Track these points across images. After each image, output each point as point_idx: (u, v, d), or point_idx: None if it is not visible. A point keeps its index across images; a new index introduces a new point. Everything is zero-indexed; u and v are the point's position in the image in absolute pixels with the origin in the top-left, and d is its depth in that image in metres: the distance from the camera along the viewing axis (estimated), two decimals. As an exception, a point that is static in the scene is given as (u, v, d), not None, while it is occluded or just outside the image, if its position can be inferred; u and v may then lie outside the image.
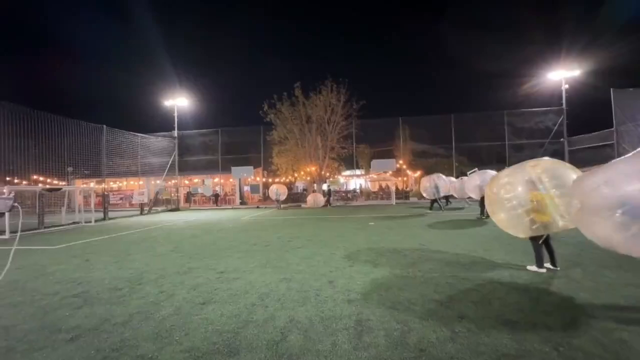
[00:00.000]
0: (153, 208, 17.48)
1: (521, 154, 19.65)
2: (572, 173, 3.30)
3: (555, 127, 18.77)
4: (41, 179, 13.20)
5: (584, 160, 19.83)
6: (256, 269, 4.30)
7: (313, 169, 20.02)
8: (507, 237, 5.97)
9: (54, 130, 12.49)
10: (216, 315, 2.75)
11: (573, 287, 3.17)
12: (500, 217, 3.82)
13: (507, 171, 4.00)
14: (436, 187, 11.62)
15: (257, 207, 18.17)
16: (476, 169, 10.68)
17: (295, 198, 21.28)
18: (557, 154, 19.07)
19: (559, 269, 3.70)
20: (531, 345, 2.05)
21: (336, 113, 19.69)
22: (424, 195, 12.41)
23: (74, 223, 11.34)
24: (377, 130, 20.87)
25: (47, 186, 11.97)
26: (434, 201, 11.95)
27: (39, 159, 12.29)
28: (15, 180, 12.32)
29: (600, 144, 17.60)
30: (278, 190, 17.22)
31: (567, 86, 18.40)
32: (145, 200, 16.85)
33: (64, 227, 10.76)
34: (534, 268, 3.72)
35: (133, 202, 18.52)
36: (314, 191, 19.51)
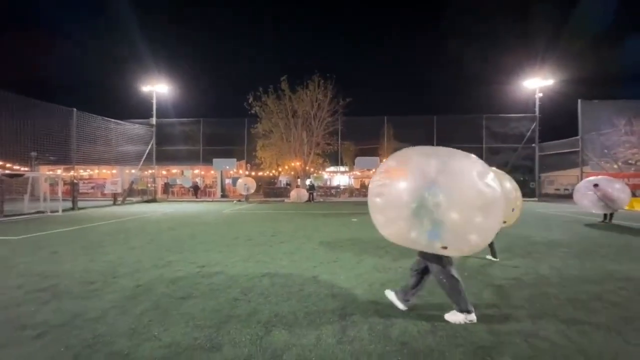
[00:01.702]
0: (127, 198, 16.65)
1: (497, 156, 20.64)
2: (508, 182, 3.81)
3: (529, 133, 19.86)
4: (0, 163, 12.14)
5: (553, 165, 21.27)
6: (238, 264, 4.23)
7: (297, 163, 19.90)
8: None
9: (16, 112, 11.49)
10: (197, 310, 2.67)
11: (542, 283, 3.40)
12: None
13: None
14: None
15: (239, 201, 17.84)
16: None
17: (278, 193, 21.10)
18: (529, 159, 20.27)
19: (498, 259, 4.32)
20: (504, 338, 2.18)
21: (322, 109, 19.63)
22: None
23: (38, 212, 10.56)
24: (362, 128, 21.03)
25: (7, 172, 11.03)
26: None
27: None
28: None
29: (567, 150, 18.89)
30: (247, 183, 16.84)
31: (541, 94, 19.49)
32: (119, 190, 16.00)
33: (27, 216, 9.99)
34: (488, 257, 4.39)
35: (105, 192, 17.56)
36: (297, 186, 19.44)
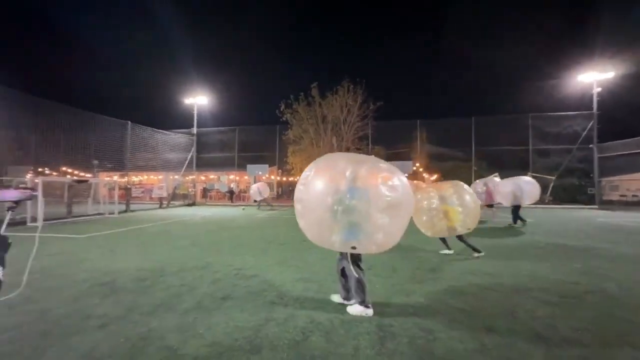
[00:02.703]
0: (171, 202, 18.03)
1: (546, 159, 18.78)
2: (467, 195, 4.63)
3: (585, 133, 17.77)
4: (69, 170, 13.93)
5: (616, 168, 18.72)
6: (273, 267, 4.33)
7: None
8: (533, 247, 5.74)
9: (82, 125, 13.15)
10: (236, 311, 2.78)
11: (608, 304, 2.98)
12: (422, 220, 4.76)
13: (430, 187, 5.17)
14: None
15: (271, 206, 18.34)
16: (496, 174, 10.29)
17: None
18: (586, 161, 18.12)
19: (483, 253, 4.87)
20: (567, 364, 1.94)
21: (352, 114, 19.59)
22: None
23: (98, 214, 11.86)
24: (393, 132, 20.55)
25: (75, 178, 12.59)
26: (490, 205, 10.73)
27: (68, 152, 12.97)
28: (47, 172, 13.07)
29: (634, 151, 16.52)
30: (260, 189, 15.57)
31: (599, 89, 17.40)
32: (164, 195, 17.40)
33: (90, 217, 11.28)
34: (445, 251, 5.15)
35: (153, 196, 19.15)
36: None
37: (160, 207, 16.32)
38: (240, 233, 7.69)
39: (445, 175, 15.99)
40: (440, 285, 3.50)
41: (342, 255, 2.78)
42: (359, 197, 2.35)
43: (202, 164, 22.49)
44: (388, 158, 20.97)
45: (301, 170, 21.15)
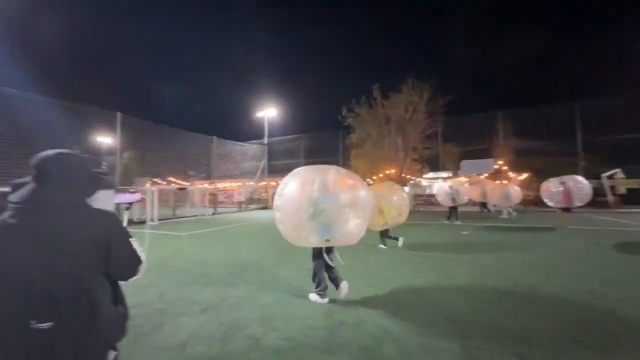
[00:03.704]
0: (248, 206, 20.20)
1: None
2: (395, 196, 5.69)
3: None
4: (173, 180, 17.12)
5: None
6: (342, 269, 4.39)
7: (392, 171, 19.24)
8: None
9: (180, 142, 16.04)
10: (310, 311, 2.93)
11: None
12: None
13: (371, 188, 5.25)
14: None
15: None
16: (619, 169, 8.14)
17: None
18: None
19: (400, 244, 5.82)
20: None
21: (418, 111, 18.41)
22: (548, 202, 9.40)
23: (194, 216, 14.19)
24: (468, 128, 18.45)
25: (177, 186, 15.39)
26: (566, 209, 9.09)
27: (172, 165, 16.00)
28: (158, 181, 16.38)
29: None
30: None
31: None
32: (243, 199, 19.62)
33: (188, 218, 13.58)
34: (382, 245, 5.93)
35: (234, 200, 21.82)
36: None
37: (240, 210, 18.46)
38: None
39: (538, 174, 13.33)
40: (537, 305, 2.96)
41: (313, 253, 3.29)
42: (330, 201, 2.92)
43: (273, 171, 24.55)
44: (463, 156, 18.90)
45: (364, 174, 20.97)
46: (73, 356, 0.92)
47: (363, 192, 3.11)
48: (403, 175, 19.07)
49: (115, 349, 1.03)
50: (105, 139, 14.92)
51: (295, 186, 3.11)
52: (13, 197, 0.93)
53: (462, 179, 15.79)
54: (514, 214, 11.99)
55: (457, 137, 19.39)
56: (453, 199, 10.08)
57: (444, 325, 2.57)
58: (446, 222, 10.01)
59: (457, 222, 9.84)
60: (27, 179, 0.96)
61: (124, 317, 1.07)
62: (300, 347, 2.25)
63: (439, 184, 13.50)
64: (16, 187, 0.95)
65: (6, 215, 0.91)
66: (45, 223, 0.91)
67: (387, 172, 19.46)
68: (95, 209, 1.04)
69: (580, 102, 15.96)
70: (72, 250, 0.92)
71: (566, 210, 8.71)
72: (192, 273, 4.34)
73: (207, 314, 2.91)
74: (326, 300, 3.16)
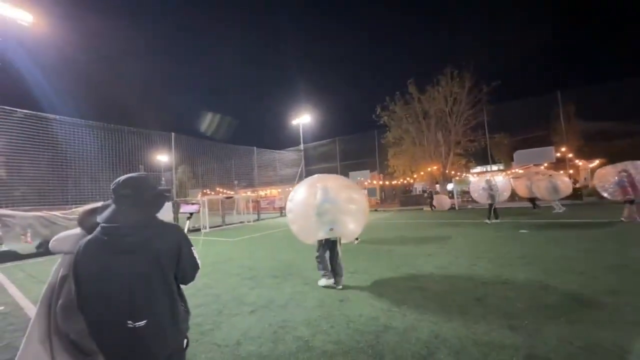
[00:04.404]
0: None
1: None
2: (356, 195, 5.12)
3: None
4: (221, 190, 18.47)
5: None
6: (384, 273, 4.28)
7: (434, 167, 18.20)
8: None
9: (226, 154, 17.30)
10: (355, 315, 2.90)
11: None
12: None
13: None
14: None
15: (375, 210, 18.24)
16: None
17: (415, 201, 19.97)
18: None
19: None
20: None
21: (460, 102, 17.19)
22: (605, 194, 8.22)
23: (240, 222, 15.09)
24: (521, 114, 16.62)
25: (225, 195, 16.57)
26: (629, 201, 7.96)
27: (220, 175, 17.30)
28: (207, 191, 17.83)
29: None
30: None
31: None
32: (283, 205, 20.31)
33: (235, 224, 14.49)
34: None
35: (275, 206, 22.71)
36: (436, 193, 17.68)
37: (281, 215, 19.14)
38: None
39: (614, 160, 11.36)
40: (608, 310, 2.52)
41: (325, 245, 3.85)
42: (332, 203, 3.64)
43: (309, 176, 25.03)
44: (516, 147, 17.07)
45: (404, 173, 20.16)
46: (161, 346, 1.13)
47: (357, 195, 3.98)
48: (447, 171, 17.91)
49: (186, 337, 1.26)
50: (162, 157, 16.78)
51: (303, 192, 3.91)
52: (99, 219, 1.15)
53: (519, 170, 14.20)
54: (562, 208, 10.52)
55: (506, 126, 17.63)
56: (491, 196, 9.16)
57: (505, 333, 2.34)
58: (487, 222, 9.03)
59: (495, 221, 8.93)
60: (109, 201, 1.19)
61: (187, 313, 1.28)
62: (349, 351, 2.25)
63: (473, 180, 12.43)
64: (102, 210, 1.18)
65: (97, 232, 1.13)
66: (132, 239, 1.11)
67: (429, 169, 18.46)
68: (167, 222, 1.24)
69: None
70: (157, 259, 1.12)
71: (630, 202, 7.32)
72: (241, 276, 4.62)
73: (256, 314, 3.07)
74: (332, 281, 3.75)
